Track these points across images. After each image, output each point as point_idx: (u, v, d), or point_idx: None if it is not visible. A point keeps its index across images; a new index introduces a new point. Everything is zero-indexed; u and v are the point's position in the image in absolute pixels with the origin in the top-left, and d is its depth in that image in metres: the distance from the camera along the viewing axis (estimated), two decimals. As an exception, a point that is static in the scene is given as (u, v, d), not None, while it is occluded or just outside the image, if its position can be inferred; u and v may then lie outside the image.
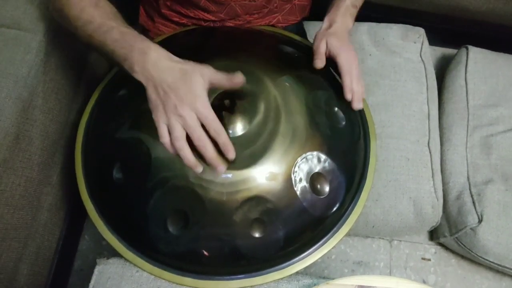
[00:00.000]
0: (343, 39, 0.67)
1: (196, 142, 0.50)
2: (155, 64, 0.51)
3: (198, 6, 0.74)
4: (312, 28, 0.94)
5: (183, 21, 0.79)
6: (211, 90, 0.56)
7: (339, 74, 0.65)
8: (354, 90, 0.64)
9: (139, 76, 0.52)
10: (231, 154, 0.52)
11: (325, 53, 0.66)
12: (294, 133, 0.59)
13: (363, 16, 0.78)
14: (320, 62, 0.66)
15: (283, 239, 0.58)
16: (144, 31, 0.84)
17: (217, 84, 0.52)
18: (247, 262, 0.59)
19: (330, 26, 0.68)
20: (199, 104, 0.50)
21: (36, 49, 0.70)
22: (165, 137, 0.51)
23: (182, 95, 0.50)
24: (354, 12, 0.71)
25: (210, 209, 0.56)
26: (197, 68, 0.51)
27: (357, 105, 0.64)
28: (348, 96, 0.64)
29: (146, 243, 0.61)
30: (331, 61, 0.66)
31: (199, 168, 0.51)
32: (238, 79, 0.53)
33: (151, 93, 0.51)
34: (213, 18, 0.77)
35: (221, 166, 0.52)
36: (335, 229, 0.62)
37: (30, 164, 0.73)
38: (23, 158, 0.70)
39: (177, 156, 0.51)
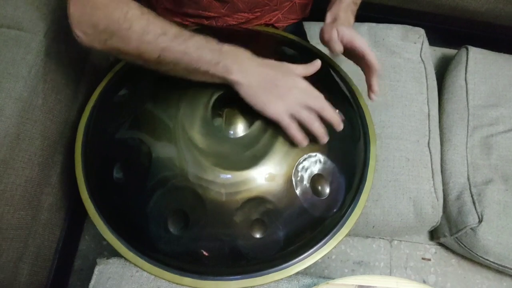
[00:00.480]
0: (354, 32, 0.66)
1: (314, 122, 0.55)
2: (250, 62, 0.54)
3: (199, 5, 0.74)
4: (312, 28, 0.94)
5: (184, 22, 0.79)
6: (212, 92, 0.57)
7: (357, 57, 0.64)
8: (377, 68, 0.63)
9: (238, 76, 0.53)
10: (340, 127, 0.58)
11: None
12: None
13: (363, 16, 0.78)
14: (338, 46, 0.63)
15: (283, 239, 0.58)
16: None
17: (305, 72, 0.58)
18: (247, 262, 0.59)
19: (335, 19, 0.67)
20: (315, 96, 0.56)
21: (36, 49, 0.70)
22: (293, 128, 0.54)
23: (303, 89, 0.55)
24: (354, 9, 0.70)
25: (210, 210, 0.56)
26: (285, 63, 0.57)
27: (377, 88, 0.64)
28: (372, 78, 0.63)
29: (146, 243, 0.61)
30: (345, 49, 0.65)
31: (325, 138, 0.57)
32: (317, 63, 0.59)
33: (256, 89, 0.53)
34: (213, 14, 0.77)
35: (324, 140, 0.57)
36: (335, 230, 0.62)
37: (30, 164, 0.73)
38: (23, 158, 0.70)
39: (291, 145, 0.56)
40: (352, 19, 0.70)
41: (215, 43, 0.55)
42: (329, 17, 0.68)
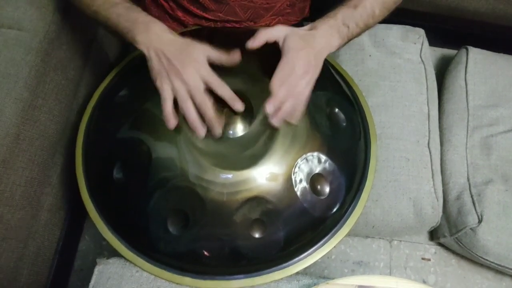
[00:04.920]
0: (308, 46, 0.55)
1: (199, 103, 0.52)
2: (158, 36, 0.55)
3: (197, 1, 0.74)
4: (312, 29, 0.94)
5: (185, 20, 0.79)
6: (211, 92, 0.56)
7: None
8: (277, 94, 0.52)
9: (141, 46, 0.55)
10: (239, 105, 0.55)
11: (276, 42, 0.56)
12: (295, 133, 0.59)
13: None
14: (253, 42, 0.56)
15: (283, 239, 0.58)
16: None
17: (216, 58, 0.55)
18: (248, 262, 0.59)
19: (309, 29, 0.59)
20: (202, 69, 0.53)
21: (37, 50, 0.70)
22: (168, 100, 0.53)
23: (186, 63, 0.52)
24: (344, 31, 0.59)
25: (210, 209, 0.56)
26: (196, 43, 0.55)
27: (274, 120, 0.53)
28: (268, 107, 0.52)
29: (146, 243, 0.61)
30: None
31: (202, 131, 0.54)
32: (236, 55, 0.56)
33: (155, 62, 0.54)
34: (212, 18, 0.77)
35: (219, 127, 0.54)
36: (335, 229, 0.62)
37: (30, 164, 0.73)
38: (23, 158, 0.70)
39: (174, 132, 0.55)
40: (336, 40, 0.58)
41: (136, 12, 0.57)
42: (308, 26, 0.60)
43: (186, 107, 0.53)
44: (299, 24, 0.88)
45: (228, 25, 0.79)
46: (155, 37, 0.54)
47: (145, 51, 0.54)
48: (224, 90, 0.54)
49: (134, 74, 0.72)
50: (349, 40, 0.61)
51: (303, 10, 0.87)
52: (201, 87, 0.52)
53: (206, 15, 0.77)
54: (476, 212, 0.88)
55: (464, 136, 0.95)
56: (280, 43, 0.56)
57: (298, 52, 0.54)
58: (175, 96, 0.53)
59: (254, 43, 0.56)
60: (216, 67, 0.55)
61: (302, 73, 0.54)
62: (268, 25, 0.83)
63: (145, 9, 0.78)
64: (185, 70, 0.52)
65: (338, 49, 0.60)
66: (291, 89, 0.53)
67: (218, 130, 0.54)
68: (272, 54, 0.71)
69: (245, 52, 0.72)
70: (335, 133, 0.64)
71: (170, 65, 0.53)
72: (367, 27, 0.63)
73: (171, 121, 0.53)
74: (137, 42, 0.55)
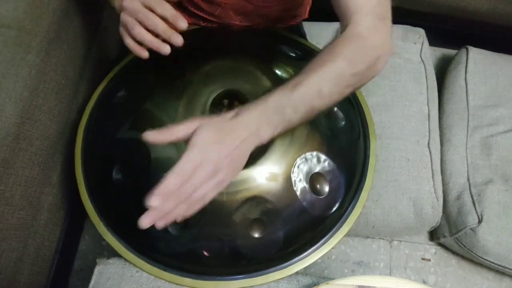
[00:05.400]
0: (224, 140, 0.43)
1: (145, 22, 0.50)
2: None
3: (191, 1, 0.74)
4: (312, 28, 0.94)
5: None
6: (210, 91, 0.56)
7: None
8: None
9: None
10: (182, 22, 0.50)
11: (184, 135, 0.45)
12: (294, 133, 0.59)
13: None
14: (154, 136, 0.45)
15: (283, 239, 0.58)
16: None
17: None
18: (247, 262, 0.59)
19: (231, 118, 0.46)
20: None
21: (37, 49, 0.70)
22: (125, 37, 0.52)
23: None
24: (277, 119, 0.46)
25: (210, 209, 0.56)
26: None
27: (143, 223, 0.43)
28: (152, 201, 0.42)
29: (146, 243, 0.61)
30: None
31: (164, 48, 0.50)
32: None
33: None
34: (208, 18, 0.77)
35: (175, 35, 0.50)
36: (334, 229, 0.62)
37: (30, 164, 0.73)
38: (23, 158, 0.70)
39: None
40: (264, 130, 0.46)
41: None
42: (231, 112, 0.47)
43: (137, 32, 0.50)
44: (299, 24, 0.88)
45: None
46: None
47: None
48: (165, 8, 0.50)
49: (134, 74, 0.72)
50: (289, 128, 0.48)
51: (301, 13, 0.87)
52: (139, 7, 0.50)
53: (204, 15, 0.77)
54: (476, 212, 0.88)
55: (464, 136, 0.95)
56: (189, 138, 0.44)
57: (208, 147, 0.43)
58: (127, 28, 0.51)
59: (155, 138, 0.46)
60: (216, 67, 0.55)
61: (210, 172, 0.43)
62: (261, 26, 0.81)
63: None
64: (124, 2, 0.51)
65: (276, 137, 0.48)
66: (186, 193, 0.43)
67: (176, 39, 0.50)
68: (272, 53, 0.71)
69: (245, 51, 0.72)
70: (334, 133, 0.64)
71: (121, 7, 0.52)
72: (313, 110, 0.49)
73: (140, 53, 0.52)
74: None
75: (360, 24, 0.51)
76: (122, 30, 0.52)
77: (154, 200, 0.42)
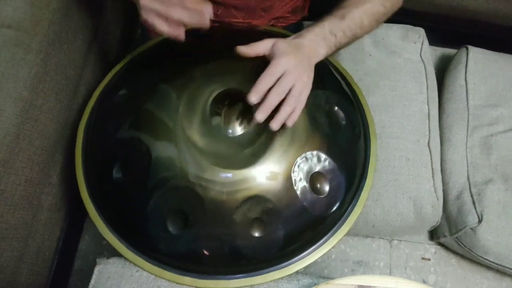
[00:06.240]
0: (298, 51, 0.55)
1: (161, 13, 0.51)
2: None
3: None
4: (312, 28, 0.94)
5: None
6: (210, 91, 0.56)
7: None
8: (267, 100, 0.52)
9: None
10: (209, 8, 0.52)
11: (264, 53, 0.56)
12: (294, 132, 0.59)
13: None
14: (245, 50, 0.55)
15: (283, 238, 0.58)
16: (145, 31, 0.84)
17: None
18: (247, 261, 0.59)
19: (294, 38, 0.58)
20: None
21: (37, 49, 0.70)
22: (158, 27, 0.52)
23: None
24: (331, 39, 0.59)
25: (210, 209, 0.56)
26: None
27: (260, 116, 0.52)
28: (251, 97, 0.52)
29: (146, 243, 0.61)
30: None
31: (181, 35, 0.53)
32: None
33: None
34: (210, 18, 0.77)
35: (207, 4, 0.52)
36: (335, 228, 0.62)
37: (30, 164, 0.73)
38: (23, 158, 0.70)
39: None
40: (323, 48, 0.58)
41: None
42: (293, 36, 0.59)
43: (178, 14, 0.51)
44: (299, 22, 0.88)
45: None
46: None
47: None
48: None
49: (134, 74, 0.72)
50: (337, 49, 0.61)
51: (302, 9, 0.87)
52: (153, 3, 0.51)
53: None
54: (476, 212, 0.88)
55: (464, 135, 0.95)
56: (268, 53, 0.55)
57: (289, 55, 0.53)
58: (160, 17, 0.52)
59: (246, 51, 0.55)
60: (216, 67, 0.55)
61: (299, 74, 0.53)
62: (268, 24, 0.82)
63: None
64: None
65: (326, 57, 0.60)
66: (281, 91, 0.52)
67: (208, 8, 0.52)
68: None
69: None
70: (334, 132, 0.64)
71: None
72: (355, 37, 0.62)
73: (180, 34, 0.53)
74: None
75: None
76: (153, 19, 0.52)
77: (251, 97, 0.51)
